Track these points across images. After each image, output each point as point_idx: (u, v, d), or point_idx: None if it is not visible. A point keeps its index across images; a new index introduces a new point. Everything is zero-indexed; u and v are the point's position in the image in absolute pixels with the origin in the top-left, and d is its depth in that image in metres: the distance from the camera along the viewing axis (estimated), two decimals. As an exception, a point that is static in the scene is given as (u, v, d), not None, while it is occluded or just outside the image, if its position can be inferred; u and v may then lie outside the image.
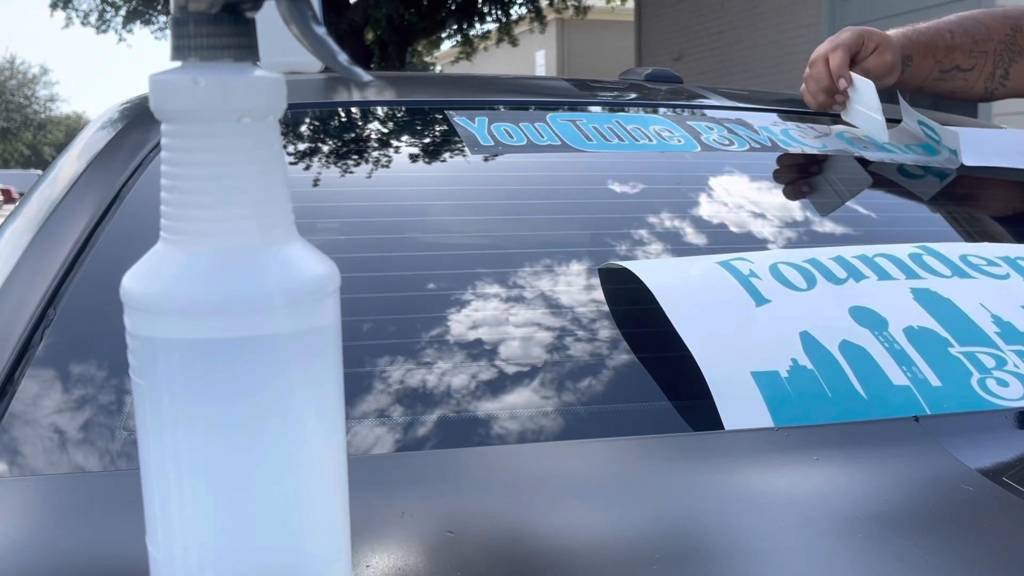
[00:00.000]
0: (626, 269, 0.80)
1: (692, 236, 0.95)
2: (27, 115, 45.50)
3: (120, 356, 0.42)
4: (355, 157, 1.10)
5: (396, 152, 1.12)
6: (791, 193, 1.11)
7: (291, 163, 1.04)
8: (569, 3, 12.91)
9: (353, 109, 1.25)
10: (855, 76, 1.23)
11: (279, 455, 0.40)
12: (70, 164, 1.03)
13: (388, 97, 1.33)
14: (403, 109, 1.28)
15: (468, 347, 0.74)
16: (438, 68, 23.56)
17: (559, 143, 1.10)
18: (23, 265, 0.81)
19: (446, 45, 16.76)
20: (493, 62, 20.53)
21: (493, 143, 1.09)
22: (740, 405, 0.66)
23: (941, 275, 0.81)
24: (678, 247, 0.92)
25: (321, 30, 0.40)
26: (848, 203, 1.11)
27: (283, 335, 0.39)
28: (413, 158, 1.12)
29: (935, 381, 0.69)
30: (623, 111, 1.30)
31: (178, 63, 0.40)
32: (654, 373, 0.73)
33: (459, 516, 0.54)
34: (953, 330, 0.74)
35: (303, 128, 1.15)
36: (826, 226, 1.01)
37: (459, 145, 1.10)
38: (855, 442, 0.63)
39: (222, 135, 0.39)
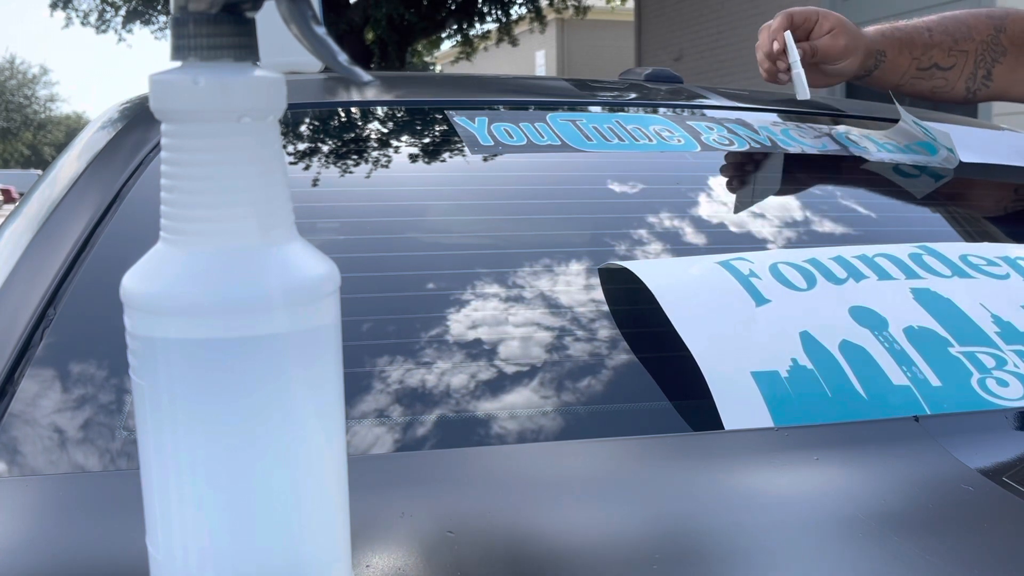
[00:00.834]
0: (626, 269, 0.80)
1: (692, 236, 0.95)
2: (27, 115, 45.50)
3: (120, 356, 0.42)
4: (355, 157, 1.10)
5: (396, 152, 1.12)
6: (791, 193, 1.11)
7: (291, 163, 1.04)
8: (569, 3, 12.91)
9: (353, 109, 1.25)
10: (788, 37, 1.25)
11: (279, 455, 0.40)
12: (70, 164, 1.03)
13: (388, 97, 1.33)
14: (403, 109, 1.28)
15: (468, 347, 0.74)
16: (438, 68, 23.56)
17: (559, 143, 1.10)
18: (23, 265, 0.81)
19: (446, 45, 16.78)
20: (493, 62, 20.53)
21: (493, 143, 1.09)
22: (740, 405, 0.66)
23: (941, 275, 0.81)
24: (678, 247, 0.92)
25: (321, 30, 0.40)
26: (848, 203, 1.11)
27: (283, 335, 0.39)
28: (413, 158, 1.12)
29: (935, 381, 0.69)
30: (623, 111, 1.30)
31: (178, 63, 0.40)
32: (654, 373, 0.73)
33: (459, 516, 0.54)
34: (953, 330, 0.74)
35: (303, 128, 1.15)
36: (826, 226, 1.01)
37: (459, 145, 1.10)
38: (855, 442, 0.63)
39: (222, 135, 0.39)
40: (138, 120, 1.06)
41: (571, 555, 0.51)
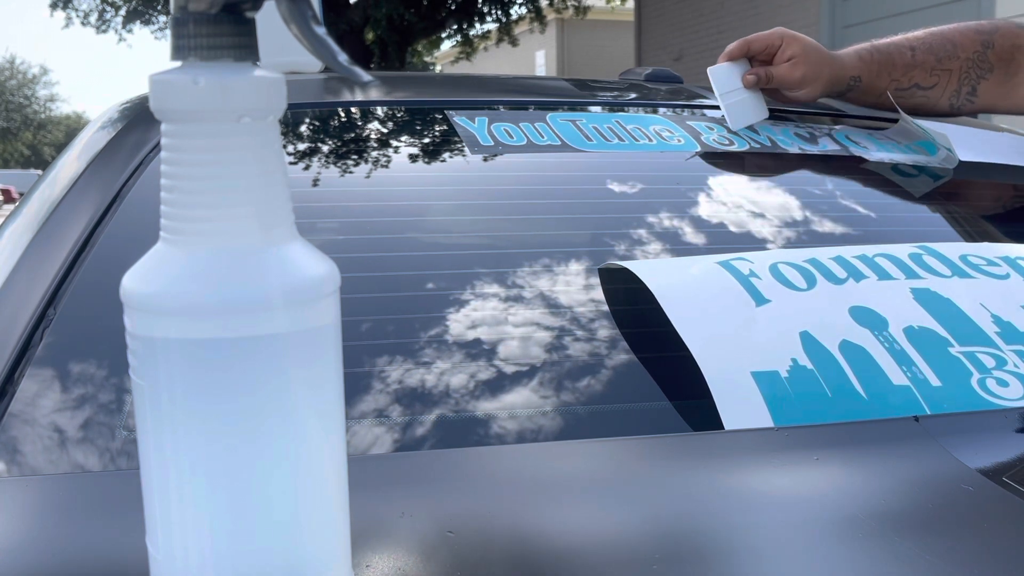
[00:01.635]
0: (626, 269, 0.80)
1: (692, 236, 0.95)
2: (27, 115, 45.49)
3: (120, 356, 0.42)
4: (355, 157, 1.10)
5: (396, 152, 1.12)
6: (791, 193, 1.11)
7: (291, 163, 1.04)
8: (569, 3, 12.91)
9: (353, 109, 1.25)
10: (713, 71, 1.24)
11: (279, 455, 0.40)
12: (70, 164, 1.03)
13: (388, 97, 1.33)
14: (403, 109, 1.28)
15: (467, 347, 0.74)
16: (438, 68, 23.55)
17: (559, 143, 1.10)
18: (23, 265, 0.81)
19: (446, 45, 16.77)
20: (493, 62, 20.52)
21: (493, 143, 1.09)
22: (740, 405, 0.66)
23: (941, 275, 0.81)
24: (678, 247, 0.92)
25: (321, 30, 0.40)
26: (848, 203, 1.11)
27: (283, 335, 0.39)
28: (413, 158, 1.12)
29: (935, 381, 0.69)
30: (623, 111, 1.30)
31: (178, 63, 0.40)
32: (654, 373, 0.73)
33: (459, 516, 0.54)
34: (953, 330, 0.74)
35: (303, 128, 1.15)
36: (826, 226, 1.01)
37: (459, 145, 1.10)
38: (855, 442, 0.63)
39: (222, 135, 0.39)
40: (138, 120, 1.06)
41: (571, 555, 0.51)
